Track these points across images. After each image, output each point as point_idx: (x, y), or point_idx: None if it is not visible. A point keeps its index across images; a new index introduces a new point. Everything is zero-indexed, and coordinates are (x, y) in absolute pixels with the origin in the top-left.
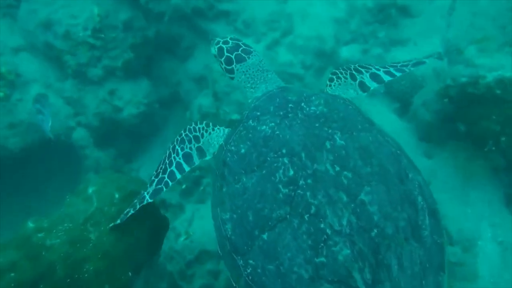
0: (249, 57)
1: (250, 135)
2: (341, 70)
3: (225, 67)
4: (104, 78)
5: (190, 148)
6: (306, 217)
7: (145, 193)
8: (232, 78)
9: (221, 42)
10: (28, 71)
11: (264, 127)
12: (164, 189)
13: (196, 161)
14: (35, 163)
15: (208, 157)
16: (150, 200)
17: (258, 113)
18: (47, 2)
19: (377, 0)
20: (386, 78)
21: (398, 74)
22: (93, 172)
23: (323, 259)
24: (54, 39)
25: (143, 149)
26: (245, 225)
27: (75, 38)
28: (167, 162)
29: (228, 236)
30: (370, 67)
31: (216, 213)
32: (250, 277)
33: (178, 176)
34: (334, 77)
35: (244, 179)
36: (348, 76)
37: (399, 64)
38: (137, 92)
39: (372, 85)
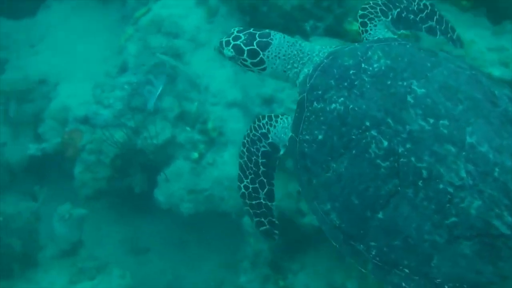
0: (271, 39)
1: (321, 118)
2: (369, 9)
3: (251, 62)
4: None
5: (265, 146)
6: (420, 183)
7: (261, 200)
8: (264, 69)
9: (232, 40)
10: (232, 131)
11: (334, 105)
12: (273, 188)
13: (276, 156)
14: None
15: (282, 151)
16: (274, 204)
17: (320, 92)
18: None
19: None
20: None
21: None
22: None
23: (454, 218)
24: None
25: None
26: (352, 210)
27: None
28: (252, 165)
29: (337, 225)
30: (397, 4)
31: (314, 207)
32: (377, 258)
33: (273, 173)
34: (366, 20)
35: (334, 165)
36: (380, 14)
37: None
38: None
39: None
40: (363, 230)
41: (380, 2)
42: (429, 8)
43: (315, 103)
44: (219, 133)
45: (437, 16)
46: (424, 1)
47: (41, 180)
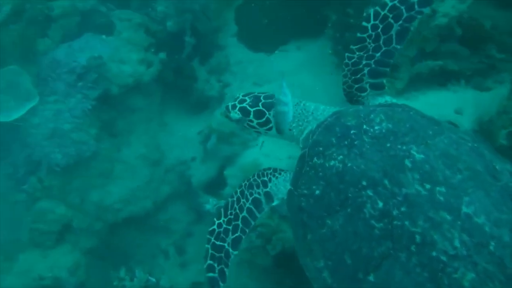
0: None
1: (320, 173)
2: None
3: (258, 122)
4: None
5: (259, 194)
6: (413, 248)
7: (226, 244)
8: (271, 129)
9: (238, 103)
10: None
11: (333, 162)
12: (243, 237)
13: (265, 206)
14: None
15: (275, 203)
16: (235, 253)
17: (321, 148)
18: None
19: None
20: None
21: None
22: None
23: None
24: None
25: None
26: (344, 270)
27: None
28: (237, 207)
29: (329, 284)
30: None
31: (307, 264)
32: None
33: (252, 222)
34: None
35: (329, 222)
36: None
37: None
38: None
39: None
40: None
41: (347, 70)
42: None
43: (315, 159)
44: None
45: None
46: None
47: None
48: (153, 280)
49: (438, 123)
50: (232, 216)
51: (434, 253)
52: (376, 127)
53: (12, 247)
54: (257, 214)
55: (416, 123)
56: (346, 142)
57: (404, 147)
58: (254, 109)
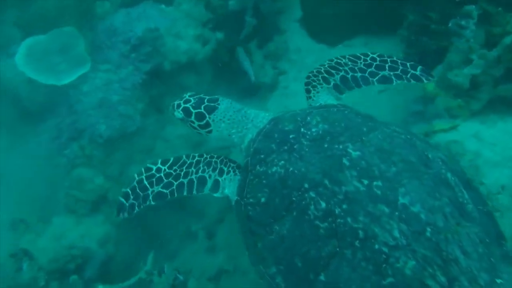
0: (218, 104)
1: (264, 181)
2: (313, 77)
3: (198, 124)
4: None
5: (209, 175)
6: (357, 243)
7: (150, 191)
8: (210, 132)
9: (182, 103)
10: None
11: (275, 168)
12: (169, 197)
13: (206, 190)
14: None
15: (217, 194)
16: (152, 203)
17: (262, 156)
18: None
19: None
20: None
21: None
22: None
23: (391, 279)
24: None
25: None
26: (296, 273)
27: None
28: (184, 169)
29: None
30: (340, 68)
31: (261, 271)
32: None
33: (185, 193)
34: (310, 87)
35: (277, 228)
36: (322, 81)
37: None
38: None
39: (345, 89)
40: None
41: (322, 70)
42: (378, 60)
43: (257, 167)
44: None
45: (389, 64)
46: (371, 56)
47: None
48: (181, 278)
49: (372, 119)
50: (174, 174)
51: (376, 246)
52: (313, 129)
53: (48, 209)
54: (194, 192)
55: (350, 121)
56: (286, 147)
57: (341, 146)
58: (196, 111)
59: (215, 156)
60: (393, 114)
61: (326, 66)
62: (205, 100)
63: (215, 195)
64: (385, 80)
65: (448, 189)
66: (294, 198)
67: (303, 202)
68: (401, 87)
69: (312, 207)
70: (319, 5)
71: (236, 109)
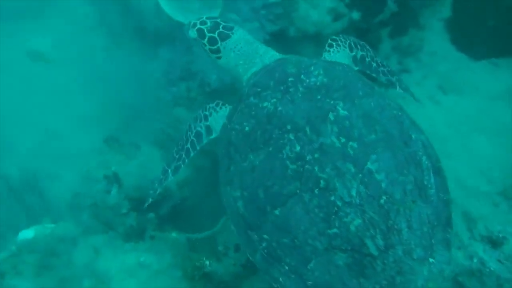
0: (232, 33)
1: (253, 112)
2: (342, 38)
3: (209, 48)
4: None
5: (201, 127)
6: (316, 191)
7: (169, 170)
8: (219, 58)
9: (198, 24)
10: None
11: (266, 103)
12: (182, 166)
13: (205, 139)
14: None
15: (214, 135)
16: (172, 177)
17: (259, 89)
18: None
19: None
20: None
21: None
22: None
23: (335, 230)
24: None
25: None
26: (256, 202)
27: None
28: (184, 139)
29: (241, 213)
30: (367, 52)
31: (226, 191)
32: (265, 251)
33: (192, 153)
34: (334, 43)
35: (252, 157)
36: (347, 46)
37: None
38: None
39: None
40: (260, 222)
41: (352, 39)
42: (390, 68)
43: (251, 98)
44: None
45: (397, 77)
46: (387, 64)
47: None
48: None
49: (373, 87)
50: (180, 147)
51: (332, 198)
52: (312, 79)
53: (141, 139)
54: (197, 146)
55: (350, 82)
56: (282, 88)
57: (332, 102)
58: (210, 35)
59: (200, 110)
60: None
61: (359, 41)
62: (221, 27)
63: (213, 137)
64: (391, 84)
65: (418, 170)
66: (274, 136)
67: (281, 141)
68: None
69: (287, 147)
70: (476, 9)
71: (249, 42)
